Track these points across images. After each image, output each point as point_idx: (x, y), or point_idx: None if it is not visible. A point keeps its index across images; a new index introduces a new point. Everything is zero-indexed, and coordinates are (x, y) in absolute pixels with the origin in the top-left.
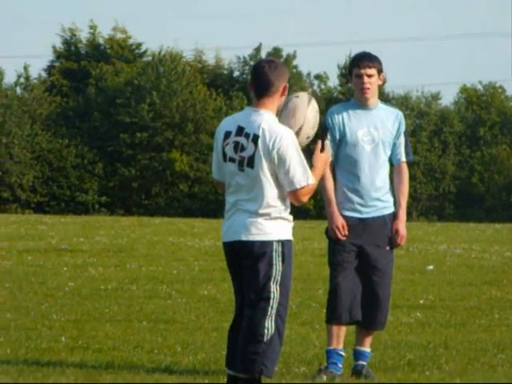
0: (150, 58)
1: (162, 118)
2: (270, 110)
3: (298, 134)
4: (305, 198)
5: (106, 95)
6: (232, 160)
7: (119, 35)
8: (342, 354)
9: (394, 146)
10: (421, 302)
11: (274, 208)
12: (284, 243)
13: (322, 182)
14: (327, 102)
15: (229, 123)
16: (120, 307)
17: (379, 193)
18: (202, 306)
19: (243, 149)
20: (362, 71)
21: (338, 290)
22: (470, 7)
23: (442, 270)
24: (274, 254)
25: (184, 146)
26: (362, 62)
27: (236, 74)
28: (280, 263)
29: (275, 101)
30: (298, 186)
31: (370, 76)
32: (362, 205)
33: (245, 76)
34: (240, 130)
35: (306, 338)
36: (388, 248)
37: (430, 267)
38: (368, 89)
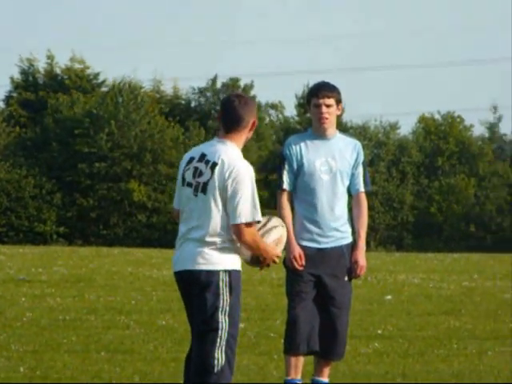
0: (107, 88)
1: (120, 148)
2: (237, 143)
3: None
4: (247, 238)
5: (64, 125)
6: (189, 185)
7: (77, 65)
8: None
9: (353, 176)
10: (379, 332)
11: (221, 237)
12: (231, 273)
13: (279, 211)
14: (284, 132)
15: (194, 151)
16: (78, 337)
17: (337, 223)
18: (159, 336)
19: (201, 174)
20: (321, 101)
21: (297, 321)
22: (427, 36)
23: (401, 299)
24: (220, 284)
25: (142, 176)
26: (320, 91)
27: (193, 104)
28: (227, 294)
29: (243, 135)
30: (243, 221)
31: (328, 106)
32: (320, 235)
33: (202, 106)
34: (202, 157)
35: (264, 368)
36: (346, 279)
37: (389, 297)
38: (326, 119)
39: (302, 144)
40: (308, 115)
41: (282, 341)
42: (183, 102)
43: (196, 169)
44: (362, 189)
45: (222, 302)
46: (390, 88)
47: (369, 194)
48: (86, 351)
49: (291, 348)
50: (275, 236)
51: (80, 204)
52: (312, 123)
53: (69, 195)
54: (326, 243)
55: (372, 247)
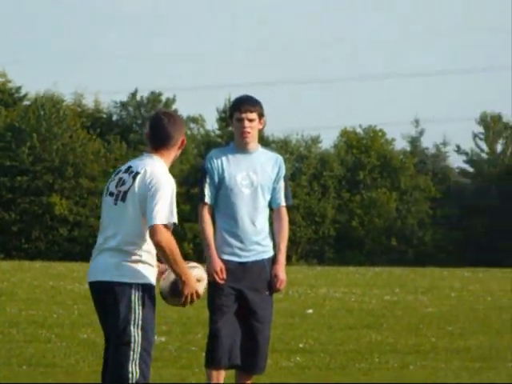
0: (29, 102)
1: (42, 162)
2: (164, 159)
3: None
4: (161, 238)
5: None
6: (111, 194)
7: None
8: None
9: (274, 191)
10: (300, 345)
11: (137, 247)
12: (144, 286)
13: (201, 225)
14: (206, 146)
15: (124, 165)
16: (0, 351)
17: (258, 237)
18: (81, 350)
19: (123, 183)
20: (243, 115)
21: (218, 334)
22: (347, 49)
23: (322, 313)
24: (132, 297)
25: (64, 190)
26: (243, 105)
27: (115, 117)
28: (140, 307)
29: (172, 153)
30: (158, 222)
31: (251, 120)
32: (241, 249)
33: (124, 120)
34: (128, 169)
35: (186, 380)
36: (267, 293)
37: (310, 311)
38: (249, 133)
39: (224, 158)
40: (230, 129)
41: (204, 354)
42: (105, 115)
43: (120, 179)
44: (283, 203)
45: (133, 315)
46: (311, 101)
47: (290, 208)
48: (7, 364)
49: (213, 361)
50: (196, 274)
51: (1, 218)
52: (234, 137)
53: None
54: (247, 257)
55: (293, 261)
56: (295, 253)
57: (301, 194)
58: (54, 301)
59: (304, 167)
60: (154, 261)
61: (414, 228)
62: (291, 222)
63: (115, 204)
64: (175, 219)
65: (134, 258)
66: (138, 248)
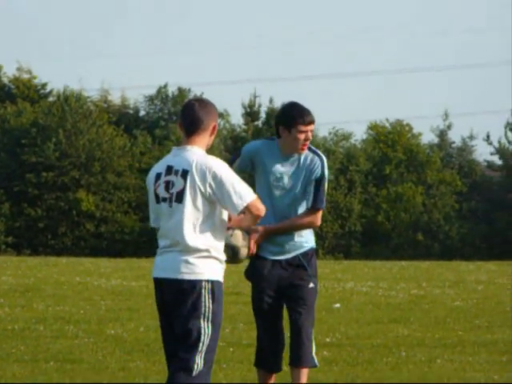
0: (54, 98)
1: (68, 158)
2: (199, 146)
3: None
4: (259, 212)
5: (11, 135)
6: (164, 200)
7: (24, 75)
8: None
9: (309, 193)
10: (327, 340)
11: (204, 245)
12: (214, 282)
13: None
14: (232, 141)
15: (158, 166)
16: (27, 347)
17: (295, 234)
18: (108, 345)
19: (173, 185)
20: (308, 128)
21: (262, 341)
22: (379, 44)
23: (349, 308)
24: (203, 291)
25: (90, 186)
26: (307, 117)
27: (142, 113)
28: (210, 301)
29: (205, 139)
30: (249, 199)
31: (311, 131)
32: (278, 246)
33: (150, 115)
34: (169, 170)
35: (212, 375)
36: (312, 285)
37: (337, 305)
38: (306, 146)
39: (268, 154)
40: (256, 123)
41: (231, 349)
42: (131, 111)
43: (168, 182)
44: (317, 206)
45: (204, 308)
46: (338, 95)
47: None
48: (34, 361)
49: (256, 363)
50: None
51: (28, 214)
52: (283, 141)
53: (17, 205)
54: (283, 254)
55: (320, 255)
56: (322, 247)
57: (327, 189)
58: (80, 297)
59: (330, 162)
60: (222, 256)
61: (440, 222)
62: None
63: (170, 207)
64: (253, 192)
65: (202, 254)
66: (205, 245)
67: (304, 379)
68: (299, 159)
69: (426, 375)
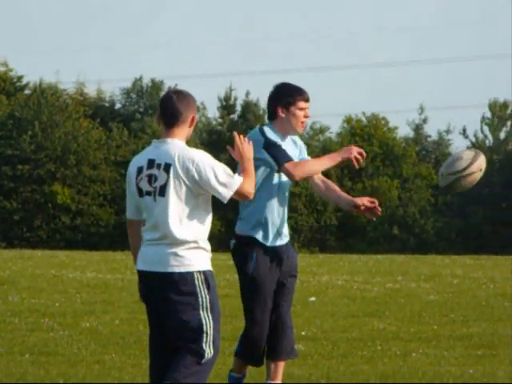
0: (30, 91)
1: (43, 151)
2: (179, 139)
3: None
4: (248, 195)
5: None
6: (148, 193)
7: (0, 68)
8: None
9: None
10: (303, 333)
11: (189, 237)
12: (205, 273)
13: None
14: (208, 134)
15: (139, 159)
16: (2, 340)
17: (285, 225)
18: (83, 338)
19: (156, 179)
20: (308, 104)
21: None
22: (354, 38)
23: (324, 301)
24: (196, 282)
25: (66, 179)
26: (306, 94)
27: (118, 106)
28: (205, 291)
29: (184, 131)
30: (238, 183)
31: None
32: (276, 233)
33: (126, 108)
34: (151, 163)
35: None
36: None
37: (312, 299)
38: (305, 123)
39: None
40: (231, 116)
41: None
42: (107, 104)
43: (150, 176)
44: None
45: (200, 299)
46: (316, 90)
47: (292, 196)
48: (10, 353)
49: (246, 358)
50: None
51: (3, 207)
52: (280, 123)
53: None
54: (279, 240)
55: (296, 249)
56: (297, 241)
57: (302, 182)
58: (56, 289)
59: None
60: (208, 245)
61: (416, 216)
62: (293, 210)
63: (155, 201)
64: (239, 177)
65: (190, 245)
66: (193, 236)
67: (281, 371)
68: (294, 139)
69: (401, 369)
